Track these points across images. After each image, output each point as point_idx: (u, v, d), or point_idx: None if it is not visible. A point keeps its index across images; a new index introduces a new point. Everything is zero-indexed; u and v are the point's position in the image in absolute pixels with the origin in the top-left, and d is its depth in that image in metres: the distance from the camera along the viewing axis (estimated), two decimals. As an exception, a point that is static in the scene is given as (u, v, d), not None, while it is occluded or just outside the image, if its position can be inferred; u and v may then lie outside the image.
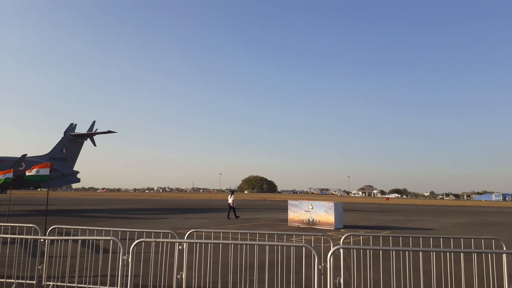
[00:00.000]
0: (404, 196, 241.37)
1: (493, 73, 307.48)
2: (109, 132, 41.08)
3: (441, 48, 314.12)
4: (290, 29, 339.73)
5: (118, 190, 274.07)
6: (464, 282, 7.86)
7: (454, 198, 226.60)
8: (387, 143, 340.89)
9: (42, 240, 8.84)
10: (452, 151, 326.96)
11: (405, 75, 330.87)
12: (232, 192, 31.71)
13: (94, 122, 42.79)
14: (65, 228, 10.18)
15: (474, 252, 6.83)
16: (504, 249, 7.92)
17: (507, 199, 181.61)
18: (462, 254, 7.77)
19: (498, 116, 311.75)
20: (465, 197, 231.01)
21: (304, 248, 6.53)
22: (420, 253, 7.09)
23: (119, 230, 9.13)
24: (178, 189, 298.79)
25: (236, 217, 28.07)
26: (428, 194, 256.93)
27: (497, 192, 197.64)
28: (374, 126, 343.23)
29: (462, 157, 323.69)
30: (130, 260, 6.72)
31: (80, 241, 12.79)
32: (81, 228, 9.97)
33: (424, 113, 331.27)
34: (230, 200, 28.62)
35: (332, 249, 6.43)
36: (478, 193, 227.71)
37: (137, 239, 7.08)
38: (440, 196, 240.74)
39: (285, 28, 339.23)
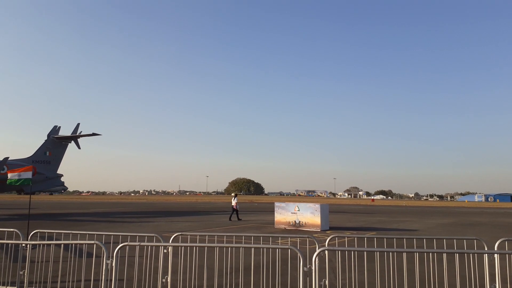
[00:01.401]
0: (389, 197, 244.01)
1: (476, 73, 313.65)
2: (93, 134, 40.60)
3: (430, 48, 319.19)
4: (279, 31, 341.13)
5: (103, 193, 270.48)
6: (447, 282, 7.98)
7: (438, 199, 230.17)
8: (373, 145, 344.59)
9: (23, 245, 8.66)
10: (435, 153, 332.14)
11: (392, 76, 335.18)
12: (236, 194, 32.19)
13: (78, 124, 42.24)
14: (48, 232, 9.99)
15: (456, 253, 6.94)
16: (486, 249, 8.06)
17: (489, 199, 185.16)
18: (444, 254, 7.90)
19: (481, 118, 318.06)
20: (448, 198, 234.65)
21: (289, 250, 6.55)
22: (404, 253, 7.18)
23: (103, 234, 9.02)
24: (164, 192, 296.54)
25: (239, 219, 28.63)
26: (412, 195, 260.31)
27: (479, 193, 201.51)
28: (360, 128, 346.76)
29: (446, 159, 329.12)
30: (114, 264, 6.63)
31: (62, 245, 12.57)
32: (64, 232, 9.80)
33: (409, 115, 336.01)
34: (233, 203, 29.60)
35: (317, 251, 6.46)
36: (461, 194, 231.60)
37: (121, 243, 7.00)
38: (424, 197, 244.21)
39: (274, 30, 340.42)
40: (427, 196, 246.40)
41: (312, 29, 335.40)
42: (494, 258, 6.92)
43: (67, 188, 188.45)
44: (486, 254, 7.23)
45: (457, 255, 7.26)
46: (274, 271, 8.24)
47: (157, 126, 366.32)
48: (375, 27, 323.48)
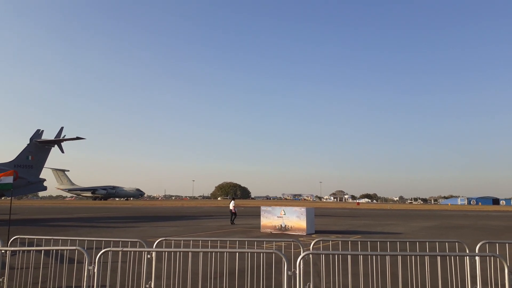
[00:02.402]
0: (374, 200, 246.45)
1: (458, 75, 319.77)
2: (77, 138, 40.03)
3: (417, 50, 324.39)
4: (263, 34, 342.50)
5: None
6: (429, 284, 8.08)
7: (422, 202, 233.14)
8: (358, 149, 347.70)
9: (3, 251, 8.47)
10: (420, 157, 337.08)
11: (376, 78, 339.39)
12: (233, 198, 33.00)
13: (62, 128, 41.60)
14: (28, 238, 9.80)
15: (439, 255, 7.02)
16: (467, 252, 8.20)
17: (471, 202, 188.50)
18: (427, 257, 8.00)
19: (464, 123, 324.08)
20: (432, 201, 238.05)
21: (274, 254, 6.55)
22: (387, 257, 7.26)
23: (85, 240, 8.88)
24: (149, 197, 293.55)
25: (232, 223, 28.88)
26: (397, 198, 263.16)
27: (462, 196, 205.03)
28: (346, 132, 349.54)
29: (429, 163, 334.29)
30: (96, 270, 6.54)
31: (43, 251, 12.34)
32: (45, 238, 9.61)
33: (393, 119, 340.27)
34: (231, 207, 29.95)
35: (301, 255, 6.48)
36: (445, 197, 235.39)
37: (104, 248, 6.90)
38: (408, 201, 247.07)
39: (258, 33, 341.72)
40: (411, 200, 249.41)
41: (296, 32, 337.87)
42: (475, 260, 7.04)
43: (144, 194, 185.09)
44: (467, 257, 7.36)
45: (439, 258, 7.36)
46: (258, 275, 8.23)
47: (142, 130, 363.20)
48: (342, 27, 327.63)
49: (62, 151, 42.00)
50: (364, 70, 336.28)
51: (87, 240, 8.80)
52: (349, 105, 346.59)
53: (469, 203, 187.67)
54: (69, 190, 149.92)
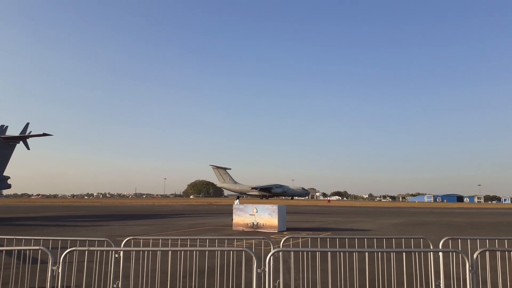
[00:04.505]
0: (345, 198, 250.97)
1: (434, 75, 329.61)
2: (44, 135, 38.71)
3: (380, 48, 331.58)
4: (229, 34, 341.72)
5: (55, 196, 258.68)
6: (395, 279, 8.30)
7: (390, 199, 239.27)
8: (329, 147, 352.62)
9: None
10: (388, 156, 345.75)
11: (347, 76, 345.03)
12: (238, 197, 33.64)
13: (27, 124, 40.12)
14: (-11, 238, 9.40)
15: (404, 251, 7.22)
16: (431, 247, 8.47)
17: (437, 200, 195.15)
18: (393, 253, 8.22)
19: (430, 123, 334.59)
20: (400, 199, 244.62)
21: (244, 252, 6.55)
22: (355, 253, 7.40)
23: (50, 239, 8.59)
24: (119, 195, 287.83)
25: None
26: (366, 196, 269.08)
27: (429, 194, 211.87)
28: (316, 130, 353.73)
29: (398, 161, 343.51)
30: (60, 271, 6.35)
31: (4, 251, 11.88)
32: (7, 238, 9.25)
33: (363, 119, 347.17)
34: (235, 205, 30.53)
35: (271, 252, 6.51)
36: (412, 195, 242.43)
37: (70, 248, 6.71)
38: (378, 198, 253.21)
39: (224, 33, 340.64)
40: (380, 197, 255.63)
41: (267, 31, 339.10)
42: (439, 256, 7.29)
43: (309, 193, 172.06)
44: (431, 252, 7.60)
45: (404, 254, 7.57)
46: (228, 273, 8.22)
47: (113, 128, 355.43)
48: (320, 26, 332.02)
49: (28, 148, 40.52)
50: (336, 66, 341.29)
51: (52, 239, 8.52)
52: (321, 102, 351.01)
53: (435, 200, 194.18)
54: (236, 190, 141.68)
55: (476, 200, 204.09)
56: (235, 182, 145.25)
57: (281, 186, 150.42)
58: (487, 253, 7.01)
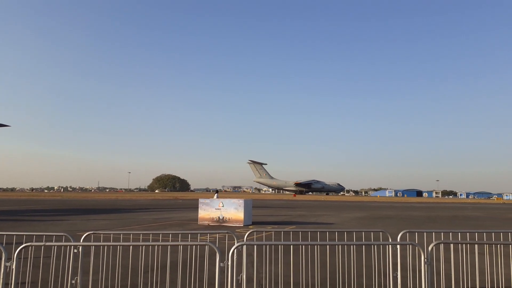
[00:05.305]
0: (310, 192, 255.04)
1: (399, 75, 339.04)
2: (1, 125, 36.94)
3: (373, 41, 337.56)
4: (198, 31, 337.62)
5: (12, 189, 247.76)
6: (355, 271, 8.55)
7: (353, 194, 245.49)
8: (294, 144, 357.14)
9: None
10: (351, 151, 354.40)
11: (318, 75, 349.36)
12: (217, 191, 33.94)
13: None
14: None
15: (364, 244, 7.43)
16: (390, 240, 8.76)
17: (398, 194, 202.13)
18: (353, 246, 8.45)
19: (392, 123, 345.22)
20: (363, 193, 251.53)
21: (207, 246, 6.52)
22: (317, 246, 7.55)
23: (4, 234, 8.22)
24: (81, 189, 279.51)
25: None
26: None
27: (390, 189, 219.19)
28: (283, 127, 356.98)
29: (361, 157, 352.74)
30: (14, 267, 6.09)
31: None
32: (-44, 234, 8.77)
33: (330, 117, 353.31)
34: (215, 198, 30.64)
35: (234, 246, 6.52)
36: (374, 190, 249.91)
37: (25, 243, 6.44)
38: (341, 193, 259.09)
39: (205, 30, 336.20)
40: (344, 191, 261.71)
41: (239, 28, 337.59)
42: (397, 248, 7.56)
43: (344, 188, 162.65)
44: (390, 245, 7.86)
45: (364, 247, 7.80)
46: (191, 268, 8.17)
47: (74, 121, 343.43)
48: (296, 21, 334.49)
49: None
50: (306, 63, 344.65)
51: (6, 234, 8.16)
52: (289, 100, 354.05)
53: (396, 195, 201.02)
54: (271, 186, 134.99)
55: (434, 195, 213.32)
56: (271, 177, 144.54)
57: (318, 182, 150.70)
58: (442, 245, 7.32)
